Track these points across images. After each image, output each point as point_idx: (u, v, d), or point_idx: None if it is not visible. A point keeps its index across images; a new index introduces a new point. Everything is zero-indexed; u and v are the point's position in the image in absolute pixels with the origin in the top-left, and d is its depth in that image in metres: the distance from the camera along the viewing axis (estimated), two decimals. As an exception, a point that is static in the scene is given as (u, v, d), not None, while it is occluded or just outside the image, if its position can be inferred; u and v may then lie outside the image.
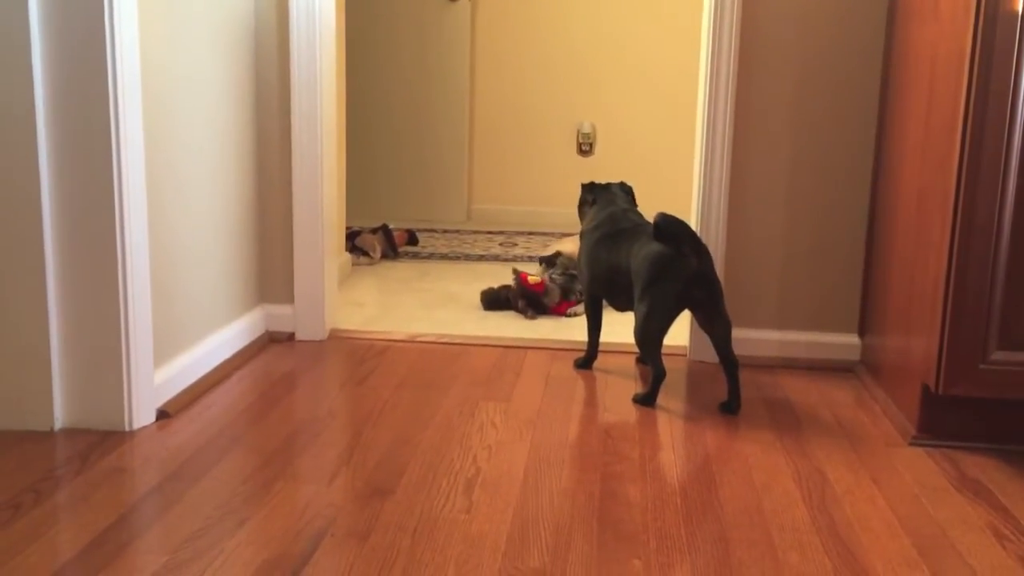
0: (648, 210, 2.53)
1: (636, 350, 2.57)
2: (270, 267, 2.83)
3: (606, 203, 2.63)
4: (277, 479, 1.90)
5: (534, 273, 3.30)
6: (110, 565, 1.55)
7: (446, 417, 2.25)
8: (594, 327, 2.63)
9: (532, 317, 3.16)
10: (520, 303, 3.19)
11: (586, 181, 2.77)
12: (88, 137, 1.99)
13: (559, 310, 3.20)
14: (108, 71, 1.97)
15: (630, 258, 2.39)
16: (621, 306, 2.52)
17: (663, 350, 2.35)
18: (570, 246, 3.43)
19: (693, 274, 2.27)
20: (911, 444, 2.13)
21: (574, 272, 3.23)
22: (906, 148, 2.34)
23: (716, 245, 2.64)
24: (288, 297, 2.84)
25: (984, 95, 1.92)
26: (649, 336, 2.32)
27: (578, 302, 3.19)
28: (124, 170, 2.02)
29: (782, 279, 2.70)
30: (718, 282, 2.32)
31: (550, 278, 3.26)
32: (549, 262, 3.38)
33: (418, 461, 2.00)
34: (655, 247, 2.31)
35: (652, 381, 2.35)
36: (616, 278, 2.46)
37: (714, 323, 2.35)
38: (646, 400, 2.35)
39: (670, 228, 2.28)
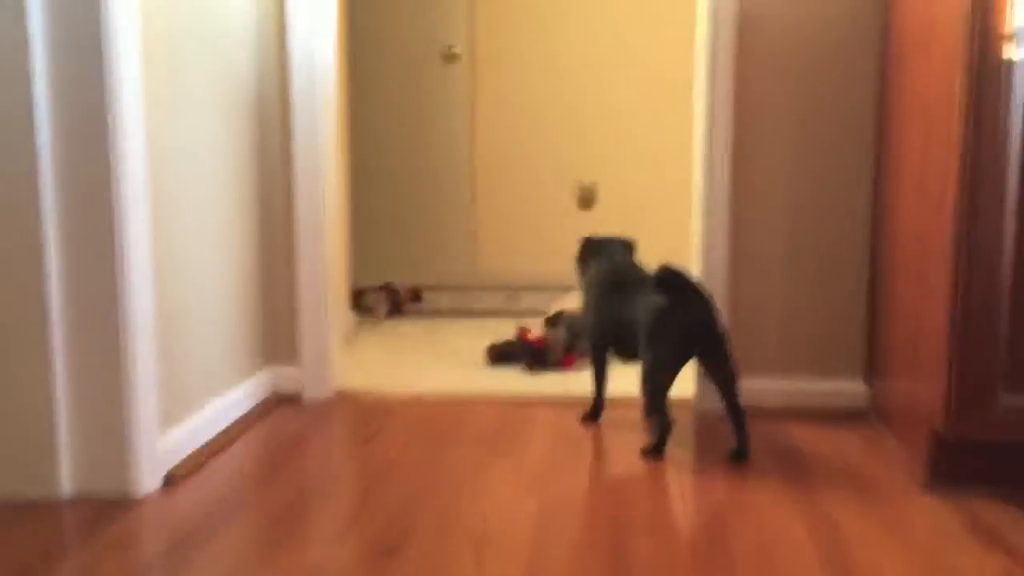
0: (652, 261, 2.54)
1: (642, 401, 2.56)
2: (275, 328, 2.84)
3: (608, 256, 2.65)
4: (285, 542, 1.88)
5: (535, 329, 3.30)
6: (117, 635, 1.54)
7: (454, 475, 2.24)
8: (600, 379, 2.63)
9: (537, 372, 3.16)
10: (526, 359, 3.20)
11: (584, 235, 2.78)
12: (92, 201, 2.01)
13: (567, 363, 3.20)
14: (110, 135, 2.00)
15: (635, 310, 2.40)
16: (627, 357, 2.52)
17: (669, 400, 2.34)
18: (572, 303, 3.43)
19: (696, 325, 2.27)
20: (924, 491, 2.11)
21: (577, 331, 3.23)
22: (904, 191, 2.35)
23: (719, 295, 2.64)
24: (294, 358, 2.84)
25: (979, 136, 1.93)
26: (655, 388, 2.32)
27: (583, 355, 3.19)
28: (127, 234, 2.04)
29: (785, 326, 2.70)
30: (723, 332, 2.32)
31: (553, 334, 3.26)
32: (553, 321, 3.38)
33: (426, 520, 1.98)
34: (658, 299, 2.31)
35: (659, 433, 2.34)
36: (621, 330, 2.46)
37: (720, 373, 2.34)
38: (654, 452, 2.34)
39: (673, 280, 2.29)
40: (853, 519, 1.97)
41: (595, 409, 2.64)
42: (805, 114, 2.62)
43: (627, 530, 1.93)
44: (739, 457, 2.31)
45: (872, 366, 2.64)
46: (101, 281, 2.03)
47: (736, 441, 2.33)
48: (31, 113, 1.96)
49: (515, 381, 3.07)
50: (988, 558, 1.80)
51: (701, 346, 2.31)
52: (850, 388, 2.69)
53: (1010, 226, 1.95)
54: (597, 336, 2.58)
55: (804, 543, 1.86)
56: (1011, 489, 2.08)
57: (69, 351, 2.05)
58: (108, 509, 2.03)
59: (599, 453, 2.41)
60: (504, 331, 3.47)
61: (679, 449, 2.40)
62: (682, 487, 2.17)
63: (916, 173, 2.25)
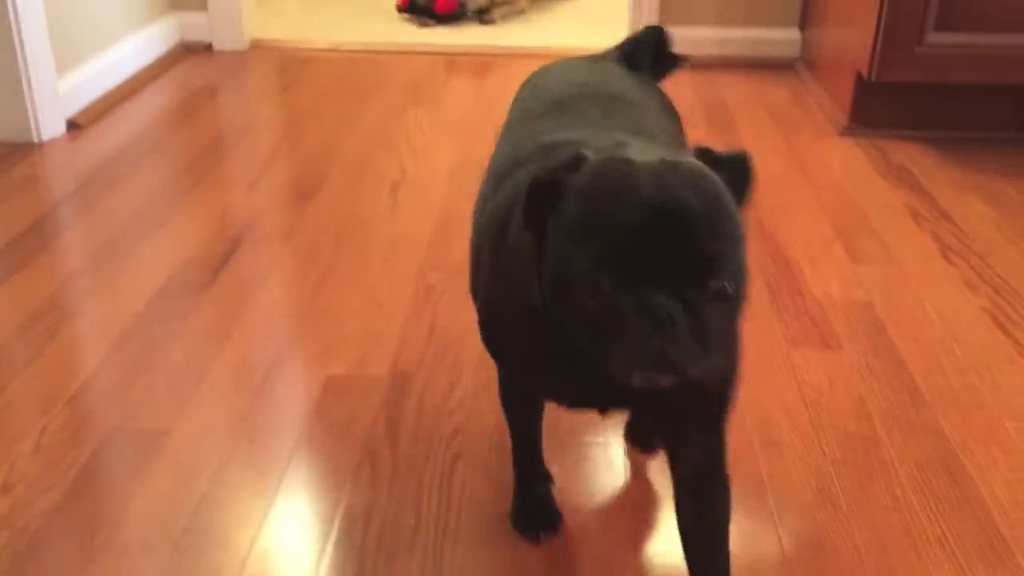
0: None
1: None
2: (178, -30, 2.62)
3: None
4: (197, 186, 1.85)
5: None
6: (27, 266, 1.53)
7: (372, 123, 2.18)
8: None
9: (426, 24, 2.98)
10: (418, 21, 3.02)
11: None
12: None
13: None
14: None
15: None
16: None
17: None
18: None
19: None
20: (842, 134, 2.12)
21: None
22: None
23: (654, -65, 2.48)
24: (202, 3, 2.65)
25: None
26: None
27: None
28: None
29: (723, -28, 2.57)
30: None
31: None
32: None
33: (342, 166, 1.95)
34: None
35: None
36: None
37: None
38: None
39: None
40: (771, 162, 1.99)
41: None
42: None
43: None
44: None
45: (807, 14, 2.55)
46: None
47: None
48: None
49: (438, 34, 2.94)
50: (894, 194, 1.84)
51: None
52: (783, 37, 2.61)
53: None
54: None
55: (718, 183, 1.88)
56: (925, 132, 2.10)
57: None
58: (9, 153, 1.95)
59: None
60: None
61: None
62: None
63: None
